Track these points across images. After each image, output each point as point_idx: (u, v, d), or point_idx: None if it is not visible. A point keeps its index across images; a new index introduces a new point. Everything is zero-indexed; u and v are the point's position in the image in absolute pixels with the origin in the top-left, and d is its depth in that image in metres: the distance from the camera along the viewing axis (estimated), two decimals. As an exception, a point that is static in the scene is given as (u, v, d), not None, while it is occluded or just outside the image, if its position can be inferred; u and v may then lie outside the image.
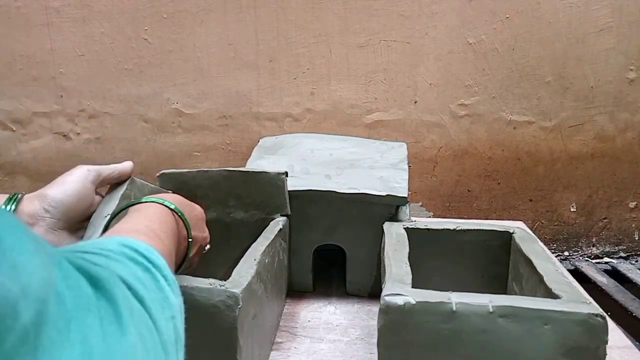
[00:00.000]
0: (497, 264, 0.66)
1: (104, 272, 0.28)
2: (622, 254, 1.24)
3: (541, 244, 0.65)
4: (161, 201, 0.45)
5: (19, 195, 0.49)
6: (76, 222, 0.51)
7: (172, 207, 0.45)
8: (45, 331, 0.21)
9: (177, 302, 0.33)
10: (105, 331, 0.24)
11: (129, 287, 0.29)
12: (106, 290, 0.27)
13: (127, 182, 0.56)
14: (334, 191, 0.69)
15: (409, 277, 0.51)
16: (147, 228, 0.39)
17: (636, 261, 1.22)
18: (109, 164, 0.55)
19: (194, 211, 0.51)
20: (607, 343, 0.45)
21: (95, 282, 0.26)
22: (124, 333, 0.26)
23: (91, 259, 0.29)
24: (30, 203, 0.49)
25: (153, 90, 1.18)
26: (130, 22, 1.15)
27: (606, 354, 0.45)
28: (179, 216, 0.45)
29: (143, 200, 0.45)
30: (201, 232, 0.51)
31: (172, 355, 0.30)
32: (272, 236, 0.60)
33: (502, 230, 0.66)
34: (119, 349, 0.25)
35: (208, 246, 0.55)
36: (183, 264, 0.46)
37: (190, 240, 0.46)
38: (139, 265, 0.32)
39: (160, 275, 0.33)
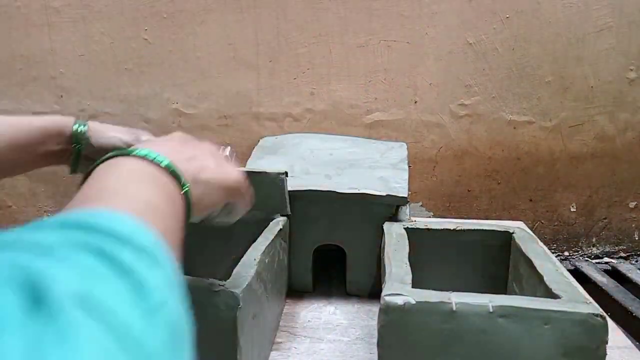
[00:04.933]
0: (497, 264, 0.66)
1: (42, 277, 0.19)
2: (622, 254, 1.24)
3: (541, 244, 0.65)
4: (145, 154, 0.35)
5: None
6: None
7: (162, 163, 0.35)
8: None
9: (163, 275, 0.25)
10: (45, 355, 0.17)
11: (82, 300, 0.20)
12: (49, 303, 0.18)
13: None
14: (334, 191, 0.69)
15: (409, 277, 0.51)
16: (116, 192, 0.30)
17: (636, 261, 1.22)
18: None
19: (191, 152, 0.40)
20: (607, 343, 0.45)
21: (31, 290, 0.19)
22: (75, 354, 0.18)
23: (24, 261, 0.21)
24: None
25: (153, 90, 1.18)
26: (130, 22, 1.15)
27: (606, 354, 0.45)
28: (170, 171, 0.35)
29: (121, 152, 0.35)
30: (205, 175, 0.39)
31: (165, 358, 0.22)
32: (272, 236, 0.60)
33: (502, 230, 0.66)
34: None
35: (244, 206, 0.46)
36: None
37: (185, 192, 0.35)
38: (90, 254, 0.23)
39: (130, 248, 0.24)
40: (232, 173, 0.42)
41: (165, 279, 0.25)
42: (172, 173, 0.35)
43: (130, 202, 0.29)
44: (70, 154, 0.55)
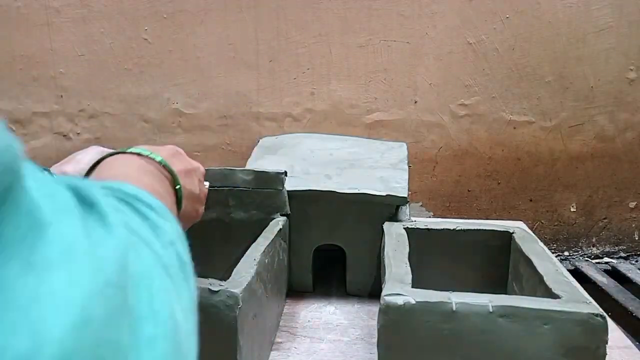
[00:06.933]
0: (497, 263, 0.66)
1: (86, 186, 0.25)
2: (622, 254, 1.24)
3: (541, 244, 0.65)
4: (140, 151, 0.40)
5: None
6: None
7: (156, 158, 0.40)
8: (14, 219, 0.18)
9: (171, 227, 0.30)
10: (89, 231, 0.22)
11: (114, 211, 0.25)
12: (91, 201, 0.24)
13: None
14: (334, 191, 0.69)
15: (409, 277, 0.51)
16: (122, 175, 0.36)
17: (636, 261, 1.22)
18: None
19: (188, 165, 0.46)
20: (607, 343, 0.45)
21: (77, 193, 0.24)
22: (112, 234, 0.23)
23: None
24: None
25: (153, 90, 1.18)
26: (130, 22, 1.15)
27: (606, 354, 0.45)
28: (164, 167, 0.40)
29: (120, 150, 0.40)
30: (194, 188, 0.45)
31: (179, 280, 0.27)
32: (272, 236, 0.60)
33: (502, 230, 0.66)
34: (106, 246, 0.22)
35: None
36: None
37: (178, 187, 0.41)
38: (112, 197, 0.28)
39: (142, 204, 0.30)
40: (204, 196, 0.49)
41: (172, 229, 0.30)
42: (167, 169, 0.40)
43: (141, 185, 0.34)
44: None
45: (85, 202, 0.23)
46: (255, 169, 0.67)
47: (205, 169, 0.67)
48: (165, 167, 0.40)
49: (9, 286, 0.17)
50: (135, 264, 0.24)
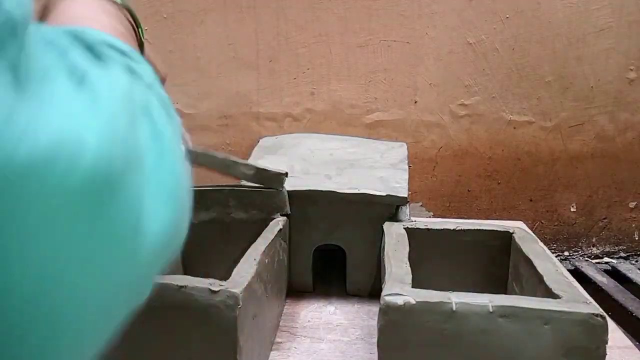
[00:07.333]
0: (497, 263, 0.66)
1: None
2: (622, 254, 1.24)
3: (541, 244, 0.65)
4: None
5: None
6: None
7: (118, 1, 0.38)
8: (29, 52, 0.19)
9: (146, 70, 0.30)
10: (91, 66, 0.24)
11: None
12: (89, 43, 0.26)
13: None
14: (334, 191, 0.69)
15: (409, 277, 0.51)
16: (80, 18, 0.35)
17: (636, 261, 1.22)
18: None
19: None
20: (607, 343, 0.45)
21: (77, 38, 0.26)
22: (112, 68, 0.25)
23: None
24: None
25: (153, 90, 1.18)
26: (130, 22, 1.15)
27: (606, 354, 0.45)
28: (125, 8, 0.39)
29: None
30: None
31: (168, 115, 0.30)
32: (272, 236, 0.60)
33: (502, 230, 0.66)
34: (113, 74, 0.25)
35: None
36: None
37: (140, 29, 0.40)
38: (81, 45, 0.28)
39: (114, 50, 0.29)
40: None
41: (147, 72, 0.31)
42: (128, 11, 0.40)
43: (103, 27, 0.34)
44: None
45: (86, 47, 0.26)
46: (257, 165, 0.67)
47: (209, 153, 0.67)
48: (126, 8, 0.39)
49: (46, 100, 0.19)
50: (135, 93, 0.26)
